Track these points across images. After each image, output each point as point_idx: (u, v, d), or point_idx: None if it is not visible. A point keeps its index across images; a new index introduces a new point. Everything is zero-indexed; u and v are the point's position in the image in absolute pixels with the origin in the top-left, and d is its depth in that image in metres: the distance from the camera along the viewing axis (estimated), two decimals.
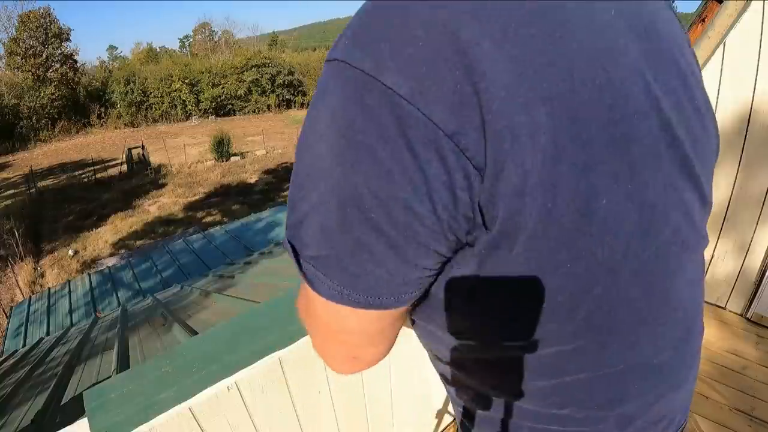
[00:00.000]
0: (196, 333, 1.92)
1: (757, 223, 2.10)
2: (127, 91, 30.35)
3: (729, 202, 2.15)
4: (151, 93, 30.98)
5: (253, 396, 0.83)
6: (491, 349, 0.45)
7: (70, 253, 12.15)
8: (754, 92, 1.92)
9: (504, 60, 0.28)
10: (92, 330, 3.53)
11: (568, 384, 0.44)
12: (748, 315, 2.28)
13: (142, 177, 18.27)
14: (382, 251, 0.33)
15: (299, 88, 35.83)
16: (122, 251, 11.90)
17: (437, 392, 1.53)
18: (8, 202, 16.58)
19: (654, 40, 0.38)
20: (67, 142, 27.06)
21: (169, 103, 31.29)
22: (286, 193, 16.05)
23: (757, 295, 2.21)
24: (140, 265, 7.29)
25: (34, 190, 17.51)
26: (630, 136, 0.34)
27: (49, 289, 7.16)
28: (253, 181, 17.56)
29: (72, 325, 5.26)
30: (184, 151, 20.75)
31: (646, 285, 0.41)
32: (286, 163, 19.84)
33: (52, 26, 29.69)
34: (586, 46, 0.31)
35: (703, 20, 1.93)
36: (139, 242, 12.46)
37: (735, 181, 2.10)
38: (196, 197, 15.84)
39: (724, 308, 2.36)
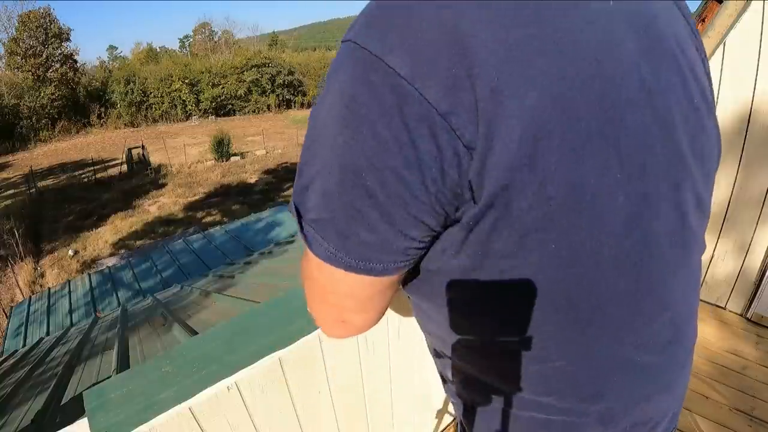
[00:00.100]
0: (196, 333, 1.92)
1: (757, 223, 2.10)
2: (127, 91, 30.34)
3: (729, 202, 2.15)
4: (151, 93, 30.97)
5: (253, 396, 0.83)
6: (478, 330, 0.46)
7: (70, 253, 12.15)
8: (754, 92, 1.92)
9: (498, 50, 0.31)
10: (92, 330, 3.54)
11: (553, 371, 0.45)
12: (748, 315, 2.28)
13: (142, 177, 18.27)
14: (375, 217, 0.35)
15: (299, 88, 35.84)
16: (122, 251, 11.90)
17: (437, 392, 1.53)
18: (8, 202, 16.57)
19: (654, 38, 0.39)
20: (67, 142, 27.05)
21: (169, 103, 31.28)
22: (286, 193, 16.06)
23: (757, 295, 2.21)
24: (140, 265, 7.29)
25: (34, 190, 17.51)
26: (619, 125, 0.35)
27: (49, 289, 7.16)
28: (253, 181, 17.56)
29: (72, 325, 5.26)
30: (184, 151, 20.75)
31: (632, 276, 0.41)
32: (286, 163, 19.85)
33: (52, 26, 29.67)
34: (579, 38, 0.33)
35: (703, 20, 1.93)
36: (139, 242, 12.47)
37: (735, 181, 2.10)
38: (196, 197, 15.84)
39: (724, 308, 2.36)
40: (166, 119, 31.39)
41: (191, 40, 61.55)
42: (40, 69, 28.83)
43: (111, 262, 10.19)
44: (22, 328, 5.70)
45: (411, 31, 0.32)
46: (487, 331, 0.46)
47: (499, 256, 0.37)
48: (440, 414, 1.57)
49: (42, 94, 27.93)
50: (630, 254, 0.40)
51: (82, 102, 30.54)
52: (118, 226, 13.58)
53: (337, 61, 0.36)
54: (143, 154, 19.82)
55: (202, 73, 32.02)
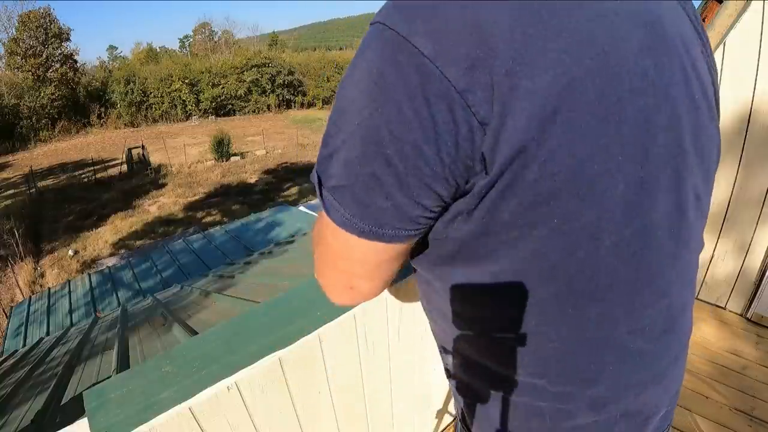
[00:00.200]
0: (196, 333, 1.92)
1: (757, 223, 2.09)
2: (127, 91, 30.32)
3: (729, 202, 2.15)
4: (151, 93, 30.95)
5: (253, 396, 0.83)
6: (478, 304, 0.48)
7: (70, 253, 12.15)
8: (754, 92, 1.92)
9: (514, 38, 0.34)
10: (92, 330, 3.53)
11: (548, 351, 0.47)
12: (748, 315, 2.28)
13: (142, 177, 18.26)
14: (391, 184, 0.38)
15: (299, 88, 35.84)
16: (122, 251, 11.90)
17: (437, 392, 1.53)
18: (8, 202, 16.57)
19: (658, 36, 0.41)
20: (67, 142, 27.04)
21: (169, 103, 31.27)
22: (286, 193, 16.06)
23: (757, 295, 2.21)
24: (140, 265, 7.27)
25: (34, 190, 17.50)
26: (622, 113, 0.38)
27: (49, 289, 7.15)
28: (253, 181, 17.56)
29: (72, 325, 5.26)
30: (184, 151, 20.74)
31: (631, 265, 0.43)
32: (286, 163, 19.85)
33: (52, 26, 29.65)
34: (588, 31, 0.36)
35: (703, 20, 1.93)
36: (139, 242, 12.47)
37: (735, 181, 2.09)
38: (196, 197, 15.84)
39: (724, 308, 2.36)
40: (166, 119, 31.37)
41: (191, 40, 61.56)
42: (40, 69, 28.81)
43: (111, 262, 10.19)
44: (22, 328, 5.69)
45: (436, 17, 0.35)
46: (486, 306, 0.47)
47: (505, 227, 0.40)
48: (440, 414, 1.57)
49: (42, 94, 27.91)
50: (630, 243, 0.42)
51: (82, 102, 30.51)
52: (118, 226, 13.58)
53: (366, 41, 0.39)
54: (143, 154, 19.81)
55: (202, 73, 32.00)
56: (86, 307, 5.99)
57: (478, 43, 0.34)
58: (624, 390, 0.50)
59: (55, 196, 16.79)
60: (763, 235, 2.10)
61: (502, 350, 0.49)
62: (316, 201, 11.35)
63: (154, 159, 19.79)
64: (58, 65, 29.78)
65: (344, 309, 0.96)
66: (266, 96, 33.84)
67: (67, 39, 30.74)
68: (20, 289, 10.43)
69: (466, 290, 0.48)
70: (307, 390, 0.96)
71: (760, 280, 2.17)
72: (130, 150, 19.73)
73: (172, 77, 31.10)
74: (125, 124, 30.48)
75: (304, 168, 19.00)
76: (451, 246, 0.45)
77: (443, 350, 0.62)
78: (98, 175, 18.80)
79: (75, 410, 1.50)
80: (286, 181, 17.32)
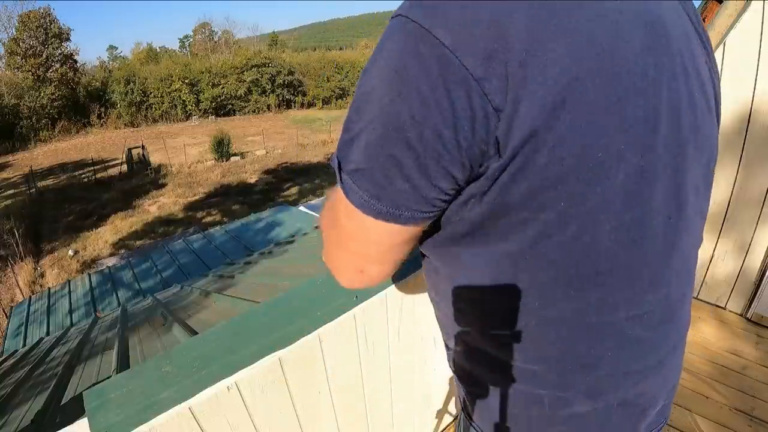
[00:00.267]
0: (196, 333, 1.92)
1: (757, 223, 2.09)
2: (127, 91, 30.31)
3: (729, 202, 2.15)
4: (151, 93, 30.94)
5: (253, 396, 0.83)
6: (485, 284, 0.49)
7: (70, 253, 12.15)
8: (754, 92, 1.92)
9: (528, 32, 0.36)
10: (92, 330, 3.53)
11: (548, 335, 0.48)
12: (748, 315, 2.28)
13: (142, 177, 18.26)
14: (411, 166, 0.40)
15: (299, 88, 35.84)
16: (122, 251, 11.90)
17: (437, 392, 1.53)
18: (8, 202, 16.57)
19: (659, 35, 0.42)
20: (67, 142, 27.03)
21: (169, 103, 31.26)
22: (286, 193, 16.06)
23: (757, 295, 2.21)
24: (140, 265, 7.27)
25: (34, 190, 17.50)
26: (624, 107, 0.40)
27: (49, 289, 7.15)
28: (253, 181, 17.56)
29: (72, 325, 5.26)
30: (184, 151, 20.74)
31: (630, 248, 0.45)
32: (286, 163, 19.85)
33: (52, 26, 29.65)
34: (591, 29, 0.38)
35: (703, 20, 1.92)
36: (139, 242, 12.46)
37: (735, 181, 2.09)
38: (196, 197, 15.84)
39: (724, 308, 2.36)
40: (166, 119, 31.36)
41: (191, 40, 61.55)
42: (40, 69, 28.80)
43: (111, 262, 10.19)
44: (22, 328, 5.69)
45: (456, 12, 0.37)
46: (491, 288, 0.49)
47: (515, 209, 0.42)
48: (440, 414, 1.57)
49: (42, 94, 27.90)
50: (630, 229, 0.44)
51: (82, 102, 30.50)
52: (118, 226, 13.58)
53: (388, 33, 0.41)
54: (143, 154, 19.81)
55: (202, 73, 31.99)
56: (86, 307, 5.99)
57: (495, 38, 0.36)
58: (623, 378, 0.51)
59: (55, 196, 16.79)
60: (763, 235, 2.10)
61: (504, 334, 0.50)
62: (316, 201, 11.35)
63: (154, 159, 19.79)
64: (58, 65, 29.77)
65: (344, 309, 0.96)
66: (266, 96, 33.83)
67: (67, 39, 30.74)
68: (20, 289, 10.43)
69: (473, 272, 0.50)
70: (307, 390, 0.96)
71: (760, 280, 2.17)
72: (130, 150, 19.73)
73: (172, 77, 31.09)
74: (125, 124, 30.47)
75: (304, 168, 19.01)
76: (461, 228, 0.46)
77: (446, 337, 0.64)
78: (98, 175, 18.80)
79: (75, 410, 1.50)
80: (286, 181, 17.33)
